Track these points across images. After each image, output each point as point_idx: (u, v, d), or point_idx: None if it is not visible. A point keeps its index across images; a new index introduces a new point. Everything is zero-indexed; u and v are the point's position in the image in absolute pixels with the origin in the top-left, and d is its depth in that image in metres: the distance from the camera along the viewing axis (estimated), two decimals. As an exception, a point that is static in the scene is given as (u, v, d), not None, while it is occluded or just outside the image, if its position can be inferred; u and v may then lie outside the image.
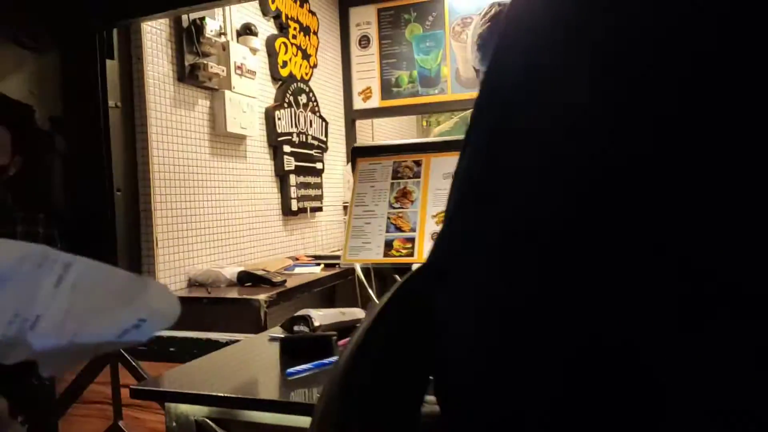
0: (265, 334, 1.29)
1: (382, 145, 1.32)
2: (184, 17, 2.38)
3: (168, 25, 2.35)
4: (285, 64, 3.11)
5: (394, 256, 1.14)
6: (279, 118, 3.01)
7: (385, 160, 1.25)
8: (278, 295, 2.14)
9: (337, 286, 2.66)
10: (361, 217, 1.21)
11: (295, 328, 1.18)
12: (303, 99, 3.27)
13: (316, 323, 1.18)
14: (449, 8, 3.63)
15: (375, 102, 3.86)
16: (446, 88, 3.69)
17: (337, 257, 3.04)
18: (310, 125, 3.35)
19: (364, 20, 3.84)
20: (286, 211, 3.12)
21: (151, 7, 2.01)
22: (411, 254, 1.13)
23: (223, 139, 2.66)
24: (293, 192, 3.15)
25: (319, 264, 2.79)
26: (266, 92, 3.02)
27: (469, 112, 1.62)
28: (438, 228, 1.14)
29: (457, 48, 3.63)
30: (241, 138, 2.78)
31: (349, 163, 3.83)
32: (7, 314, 0.39)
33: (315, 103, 3.44)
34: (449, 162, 1.19)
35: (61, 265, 0.42)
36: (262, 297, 2.06)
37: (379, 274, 1.39)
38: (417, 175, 1.20)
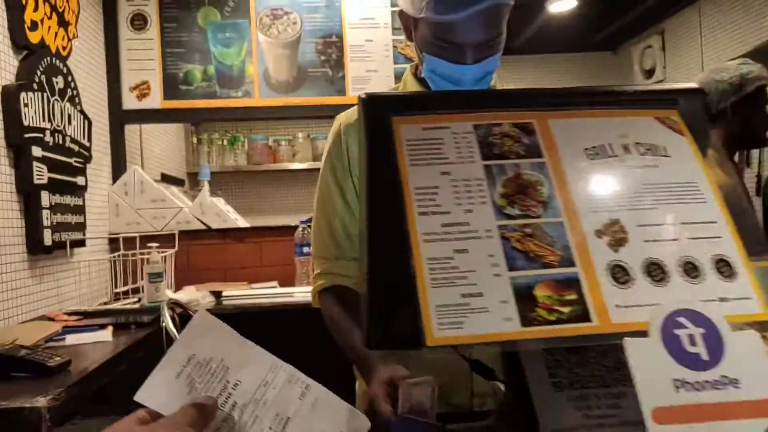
0: None
1: (432, 95, 0.67)
2: None
3: None
4: (35, 26, 2.07)
5: (544, 323, 0.51)
6: (25, 104, 1.96)
7: (456, 120, 0.61)
8: (66, 392, 1.20)
9: (146, 357, 1.75)
10: (437, 238, 0.54)
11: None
12: (59, 83, 2.24)
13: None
14: (256, -6, 2.98)
15: (155, 101, 2.95)
16: (252, 91, 3.00)
17: (122, 312, 2.07)
18: (69, 122, 2.32)
19: (140, -6, 2.93)
20: (35, 248, 2.05)
21: None
22: (581, 315, 0.51)
23: (-72, 125, 1.56)
24: (46, 218, 2.09)
25: (104, 326, 1.83)
26: (4, 64, 1.95)
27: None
28: (612, 251, 0.55)
29: (266, 44, 2.98)
30: (-39, 127, 1.69)
31: (117, 183, 2.82)
32: (273, 411, 0.51)
33: (76, 92, 2.41)
34: (587, 126, 0.61)
35: (303, 384, 0.55)
36: (40, 402, 1.12)
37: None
38: (533, 151, 0.59)
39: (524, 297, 0.52)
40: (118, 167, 2.91)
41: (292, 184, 4.81)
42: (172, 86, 2.95)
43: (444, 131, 0.60)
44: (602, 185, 0.57)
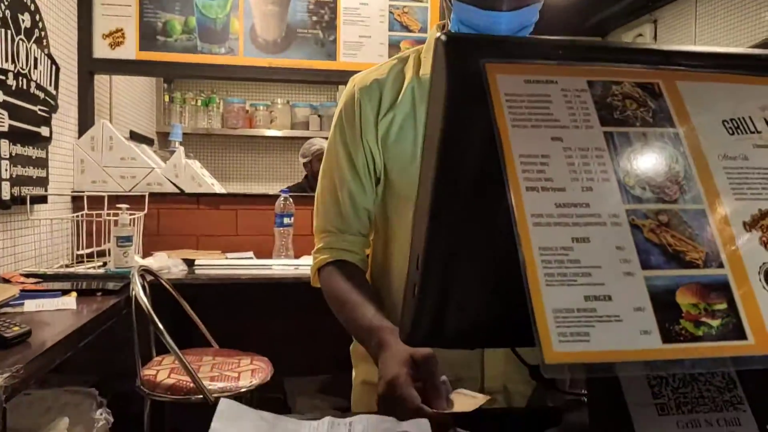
0: None
1: (531, 40, 0.53)
2: None
3: None
4: (-1, -49, 1.84)
5: (689, 339, 0.40)
6: (-14, 41, 1.75)
7: (565, 73, 0.48)
8: (25, 369, 1.05)
9: (112, 328, 1.59)
10: (551, 222, 0.42)
11: None
12: (26, 21, 2.02)
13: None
14: (245, -57, 2.76)
15: (130, 52, 2.72)
16: (237, 49, 2.80)
17: (86, 277, 1.87)
18: (35, 66, 2.10)
19: (117, -68, 2.67)
20: (-9, 201, 1.85)
21: None
22: (734, 330, 0.40)
23: None
24: (5, 169, 1.89)
25: (67, 291, 1.66)
26: (-40, -9, 1.72)
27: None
28: (765, 249, 0.44)
29: (254, -3, 2.77)
30: None
31: (84, 137, 2.57)
32: None
33: (44, 34, 2.18)
34: (722, 93, 0.49)
35: (347, 423, 0.58)
36: (-5, 381, 0.96)
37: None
38: (662, 119, 0.47)
39: (664, 304, 0.40)
40: (85, 120, 2.68)
41: (268, 151, 4.62)
42: (148, 36, 2.72)
43: (551, 86, 0.47)
44: (746, 167, 0.46)
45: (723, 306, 0.41)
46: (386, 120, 0.95)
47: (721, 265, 0.42)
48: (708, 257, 0.42)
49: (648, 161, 0.45)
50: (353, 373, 1.10)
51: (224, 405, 0.57)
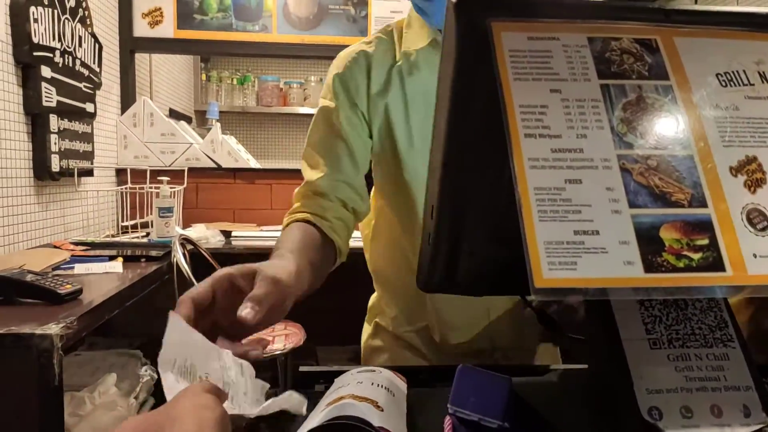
0: None
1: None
2: None
3: None
4: (45, -66, 1.92)
5: (670, 269, 0.43)
6: (35, 20, 1.84)
7: (566, 30, 0.52)
8: (78, 321, 1.14)
9: (153, 295, 1.69)
10: (546, 165, 0.46)
11: None
12: (71, 0, 2.11)
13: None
14: None
15: (168, 30, 2.81)
16: (270, 26, 2.85)
17: (130, 245, 1.98)
18: (80, 44, 2.20)
19: None
20: (42, 174, 1.96)
21: None
22: (713, 263, 0.44)
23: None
24: (54, 143, 2.00)
25: (114, 257, 1.76)
26: (11, -27, 1.82)
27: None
28: (749, 192, 0.48)
29: (287, -26, 2.82)
30: (-32, 37, 1.58)
31: (126, 113, 2.69)
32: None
33: (87, 13, 2.28)
34: (718, 47, 0.52)
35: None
36: (53, 329, 1.05)
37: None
38: (657, 72, 0.50)
39: (648, 239, 0.44)
40: (127, 97, 2.79)
41: (302, 129, 4.69)
42: (186, 15, 2.80)
43: (553, 43, 0.51)
44: (736, 116, 0.49)
45: (705, 242, 0.44)
46: (378, 106, 0.92)
47: (705, 205, 0.45)
48: (693, 198, 0.46)
49: (641, 111, 0.48)
50: (362, 337, 1.14)
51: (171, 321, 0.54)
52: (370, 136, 0.96)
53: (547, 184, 0.45)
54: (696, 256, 0.44)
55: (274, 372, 2.08)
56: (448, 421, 0.57)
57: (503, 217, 0.55)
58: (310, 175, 0.94)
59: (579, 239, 0.44)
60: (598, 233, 0.44)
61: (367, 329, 1.12)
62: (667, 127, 0.48)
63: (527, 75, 0.49)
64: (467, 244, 0.61)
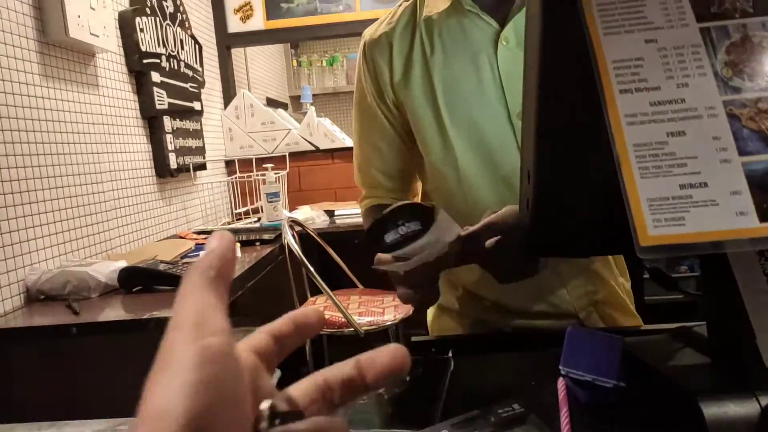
0: None
1: None
2: None
3: None
4: (142, -53, 2.07)
5: (790, 218, 0.41)
6: (141, 30, 2.00)
7: (659, -25, 0.50)
8: (208, 303, 1.26)
9: (270, 275, 1.81)
10: (646, 120, 0.45)
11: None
12: (169, 6, 2.26)
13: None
14: None
15: (258, 22, 2.92)
16: (353, 4, 2.88)
17: (245, 230, 2.13)
18: (182, 47, 2.35)
19: None
20: (162, 171, 2.14)
21: None
22: (839, 209, 0.41)
23: (60, 51, 1.62)
24: (170, 142, 2.17)
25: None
26: (117, -11, 1.97)
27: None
28: None
29: (366, -50, 2.82)
30: (89, 53, 1.74)
31: (229, 107, 2.86)
32: None
33: (185, 16, 2.43)
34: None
35: None
36: (187, 312, 1.17)
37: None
38: (762, 6, 0.47)
39: (762, 186, 0.42)
40: (228, 92, 2.96)
41: (393, 102, 4.72)
42: (273, 5, 2.90)
43: (643, -11, 0.49)
44: None
45: (828, 185, 0.42)
46: (402, 87, 0.89)
47: (826, 146, 0.42)
48: (813, 139, 0.43)
49: (746, 51, 0.46)
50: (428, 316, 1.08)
51: None
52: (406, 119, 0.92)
53: (648, 140, 0.44)
54: (819, 200, 0.41)
55: (386, 342, 2.15)
56: (561, 383, 0.58)
57: (603, 177, 0.55)
58: (368, 175, 0.99)
59: (686, 193, 0.43)
60: (706, 185, 0.43)
61: (431, 311, 1.05)
62: (779, 65, 0.45)
63: (619, 28, 0.48)
64: (567, 207, 0.61)
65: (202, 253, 0.30)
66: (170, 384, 0.21)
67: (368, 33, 0.93)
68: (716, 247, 0.42)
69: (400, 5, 0.93)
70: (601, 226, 0.61)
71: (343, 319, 1.85)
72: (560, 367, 0.57)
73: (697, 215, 0.42)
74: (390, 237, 0.64)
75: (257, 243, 1.94)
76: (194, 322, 0.23)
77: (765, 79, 0.45)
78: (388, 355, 0.31)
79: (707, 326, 0.55)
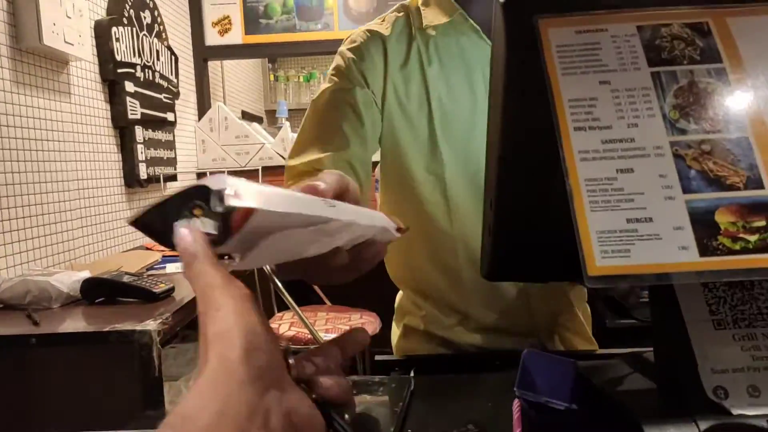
0: None
1: None
2: None
3: None
4: (122, -42, 2.07)
5: (726, 252, 0.44)
6: (117, 39, 1.99)
7: (615, 21, 0.53)
8: (172, 317, 1.25)
9: (239, 288, 1.81)
10: (597, 157, 0.48)
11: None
12: (147, 17, 2.26)
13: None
14: None
15: (236, 37, 2.94)
16: (332, 23, 2.92)
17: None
18: (158, 58, 2.35)
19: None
20: (131, 181, 2.12)
21: None
22: (772, 246, 0.44)
23: (33, 58, 1.60)
24: (141, 152, 2.15)
25: (199, 256, 1.89)
26: (94, -2, 1.97)
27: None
28: (810, 177, 0.47)
29: (346, -29, 2.87)
30: (62, 60, 1.73)
31: (203, 119, 2.86)
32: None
33: (162, 27, 2.42)
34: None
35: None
36: (151, 325, 1.16)
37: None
38: (709, 56, 0.50)
39: (703, 223, 0.45)
40: (203, 104, 2.95)
41: (368, 121, 4.76)
42: (252, 20, 2.92)
43: (601, 34, 0.52)
44: (795, 94, 0.48)
45: (762, 223, 0.45)
46: (401, 87, 0.88)
47: (761, 187, 0.46)
48: (749, 180, 0.46)
49: (693, 96, 0.49)
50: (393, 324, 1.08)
51: None
52: (381, 121, 0.90)
53: (599, 175, 0.47)
54: (753, 238, 0.44)
55: (352, 360, 2.16)
56: (516, 404, 0.60)
57: (561, 206, 0.57)
58: (313, 155, 0.87)
59: (632, 227, 0.45)
60: (651, 220, 0.45)
61: (396, 331, 1.05)
62: (720, 111, 0.48)
63: (575, 69, 0.51)
64: (526, 234, 0.63)
65: (181, 247, 0.32)
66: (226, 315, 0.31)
67: (359, 29, 0.94)
68: (660, 279, 0.45)
69: (389, 16, 0.94)
70: (558, 253, 0.64)
71: (309, 336, 1.85)
72: (515, 389, 0.59)
73: (642, 248, 0.45)
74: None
75: (225, 258, 1.92)
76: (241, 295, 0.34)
77: (709, 123, 0.48)
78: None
79: (654, 353, 0.58)
